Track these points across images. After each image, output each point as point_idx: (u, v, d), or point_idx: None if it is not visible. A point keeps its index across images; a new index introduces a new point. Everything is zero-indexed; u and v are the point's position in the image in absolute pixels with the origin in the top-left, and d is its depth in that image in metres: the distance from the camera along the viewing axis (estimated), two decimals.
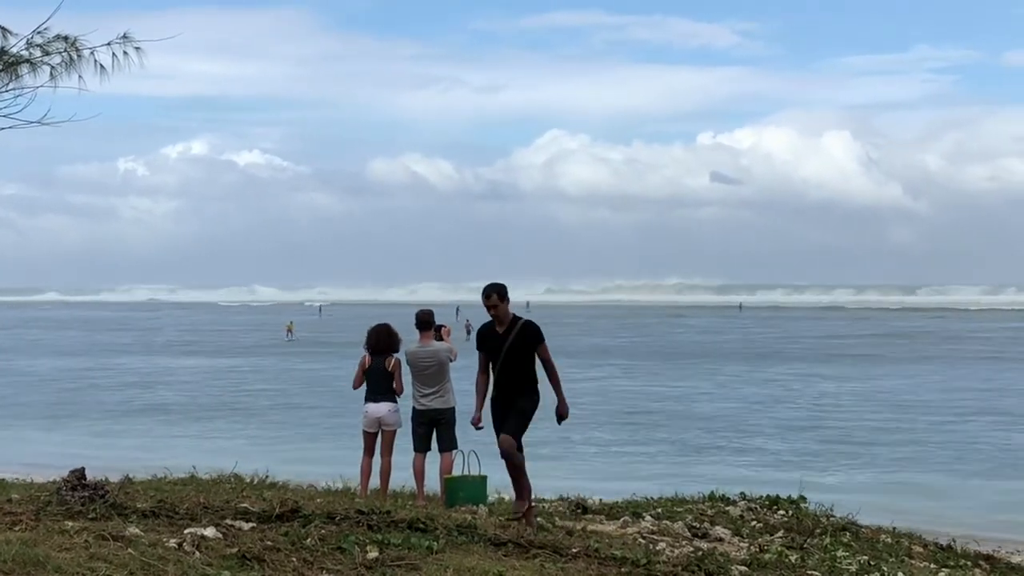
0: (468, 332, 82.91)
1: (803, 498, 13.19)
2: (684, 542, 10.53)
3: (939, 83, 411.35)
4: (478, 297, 10.34)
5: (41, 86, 12.55)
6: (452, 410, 12.80)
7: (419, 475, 12.81)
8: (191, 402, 38.46)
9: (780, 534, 11.47)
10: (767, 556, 9.94)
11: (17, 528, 8.13)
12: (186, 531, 8.10)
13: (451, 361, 12.83)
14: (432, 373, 12.69)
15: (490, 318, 10.33)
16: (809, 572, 9.51)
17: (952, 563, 11.61)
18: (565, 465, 23.31)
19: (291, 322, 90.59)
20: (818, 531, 11.70)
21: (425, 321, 12.86)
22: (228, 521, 8.62)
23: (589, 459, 25.58)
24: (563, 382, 10.28)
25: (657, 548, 9.83)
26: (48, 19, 12.40)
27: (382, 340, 12.84)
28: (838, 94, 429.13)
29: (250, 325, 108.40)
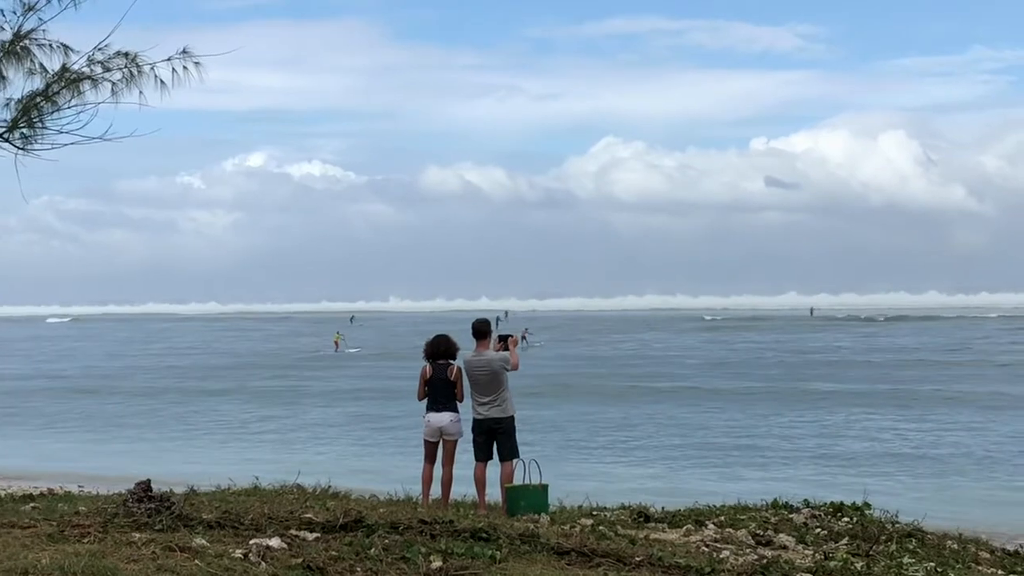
0: (524, 339, 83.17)
1: (867, 504, 13.03)
2: (748, 550, 10.44)
3: (996, 84, 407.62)
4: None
5: (102, 102, 12.73)
6: (511, 419, 12.77)
7: (480, 484, 12.80)
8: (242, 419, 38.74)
9: (845, 541, 11.33)
10: (832, 563, 9.84)
11: (86, 540, 8.24)
12: (251, 542, 8.17)
13: (507, 371, 12.77)
14: (486, 382, 12.67)
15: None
16: None
17: (1020, 569, 11.42)
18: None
19: (338, 333, 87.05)
20: (883, 538, 11.55)
21: (480, 331, 12.85)
22: (293, 531, 8.69)
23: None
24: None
25: (721, 556, 9.76)
26: (109, 36, 12.59)
27: (440, 346, 12.83)
28: (895, 97, 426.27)
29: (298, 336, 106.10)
